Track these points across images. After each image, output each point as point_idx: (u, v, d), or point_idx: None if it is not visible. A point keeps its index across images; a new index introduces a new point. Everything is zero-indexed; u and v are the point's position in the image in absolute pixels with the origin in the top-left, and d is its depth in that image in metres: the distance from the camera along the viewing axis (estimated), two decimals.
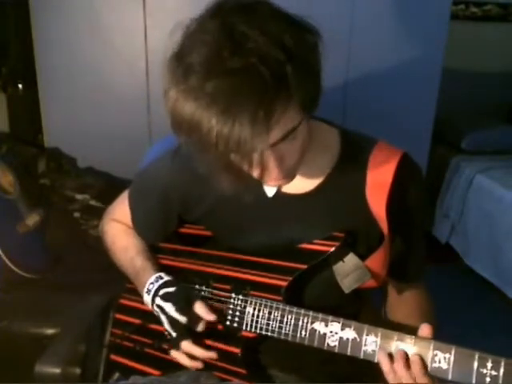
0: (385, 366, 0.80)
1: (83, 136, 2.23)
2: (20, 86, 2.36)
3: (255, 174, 0.78)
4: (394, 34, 2.27)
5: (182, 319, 0.91)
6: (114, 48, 2.15)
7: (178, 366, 0.96)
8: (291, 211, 0.93)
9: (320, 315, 0.86)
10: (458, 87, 2.96)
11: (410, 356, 0.79)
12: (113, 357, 1.06)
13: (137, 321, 1.04)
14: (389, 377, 0.81)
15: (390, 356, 0.80)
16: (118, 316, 1.08)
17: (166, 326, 0.92)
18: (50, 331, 1.46)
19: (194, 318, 0.91)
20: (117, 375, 1.06)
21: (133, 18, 2.12)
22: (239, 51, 0.68)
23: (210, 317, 0.91)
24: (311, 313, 0.86)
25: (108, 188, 2.12)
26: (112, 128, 2.21)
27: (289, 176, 0.83)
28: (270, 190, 0.93)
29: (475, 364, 0.75)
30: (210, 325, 0.92)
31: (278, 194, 0.93)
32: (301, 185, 0.92)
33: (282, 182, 0.84)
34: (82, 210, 2.09)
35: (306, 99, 0.74)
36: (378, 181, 0.88)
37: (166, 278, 0.97)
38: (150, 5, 2.10)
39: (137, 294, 1.02)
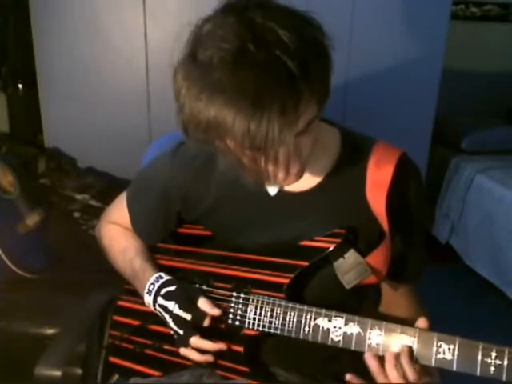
0: (373, 367, 0.82)
1: (83, 136, 2.24)
2: (20, 86, 2.37)
3: (280, 172, 0.77)
4: (394, 34, 2.27)
5: (187, 316, 0.91)
6: (113, 48, 2.15)
7: (178, 366, 0.96)
8: (292, 209, 0.93)
9: (323, 311, 0.86)
10: (458, 87, 2.96)
11: (399, 349, 0.81)
12: (112, 359, 1.05)
13: (135, 322, 1.03)
14: (379, 378, 0.82)
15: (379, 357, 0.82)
16: (116, 318, 1.08)
17: (171, 324, 0.92)
18: (49, 331, 1.46)
19: (199, 314, 0.91)
20: (116, 377, 1.06)
21: (133, 18, 2.12)
22: (262, 43, 0.68)
23: (214, 311, 0.91)
24: (314, 309, 0.87)
25: (108, 188, 2.13)
26: (112, 128, 2.22)
27: (301, 173, 0.82)
28: (272, 189, 0.93)
29: (479, 354, 0.76)
30: (212, 324, 0.92)
31: (279, 192, 0.93)
32: (302, 183, 0.91)
33: (293, 181, 0.83)
34: (82, 210, 2.09)
35: (322, 93, 0.74)
36: (378, 179, 0.89)
37: (166, 277, 0.96)
38: (150, 5, 2.10)
39: (135, 296, 1.02)
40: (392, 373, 0.81)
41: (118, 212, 1.11)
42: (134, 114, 2.23)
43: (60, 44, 2.14)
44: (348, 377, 0.86)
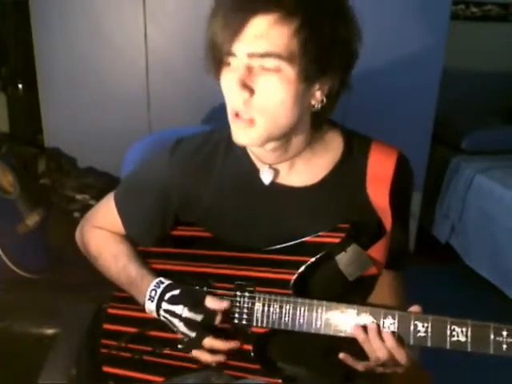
0: (359, 335, 0.85)
1: (83, 136, 2.23)
2: (20, 86, 2.37)
3: (228, 85, 0.81)
4: (394, 34, 2.27)
5: (198, 317, 0.90)
6: (113, 48, 2.15)
7: (180, 370, 0.95)
8: (293, 205, 0.94)
9: (334, 304, 0.88)
10: (458, 87, 2.96)
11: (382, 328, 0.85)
12: (107, 368, 1.01)
13: (130, 329, 1.01)
14: (365, 346, 0.86)
15: (365, 328, 0.86)
16: (108, 326, 1.04)
17: (182, 328, 0.91)
18: (50, 331, 1.46)
19: (209, 313, 0.91)
20: None
21: (133, 18, 2.12)
22: None
23: (223, 305, 0.91)
24: (324, 302, 0.88)
25: (108, 188, 2.12)
26: (112, 128, 2.21)
27: (257, 125, 0.82)
28: (266, 177, 0.94)
29: (491, 334, 0.80)
30: (220, 323, 0.92)
31: (280, 186, 0.94)
32: (302, 178, 0.94)
33: (245, 132, 0.83)
34: (82, 210, 2.08)
35: (310, 32, 0.76)
36: (379, 176, 0.92)
37: (167, 281, 0.95)
38: (150, 5, 2.10)
39: (125, 302, 1.01)
40: (375, 342, 0.84)
41: (105, 216, 1.07)
42: (134, 114, 2.23)
43: (60, 44, 2.14)
44: (341, 355, 0.88)
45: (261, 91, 0.79)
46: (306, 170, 0.93)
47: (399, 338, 0.84)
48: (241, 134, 0.84)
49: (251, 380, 0.91)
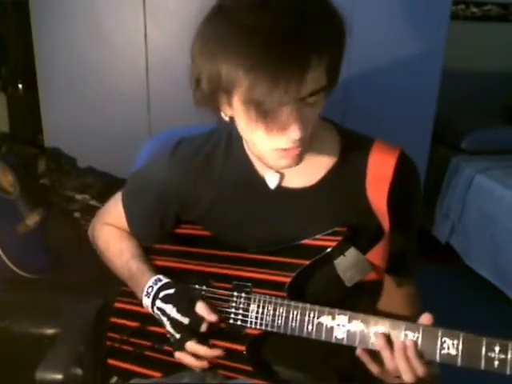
0: (386, 354, 0.82)
1: (83, 136, 2.24)
2: (20, 86, 2.37)
3: (278, 132, 0.77)
4: (394, 34, 2.27)
5: (184, 320, 0.90)
6: (113, 48, 2.15)
7: (180, 367, 0.96)
8: (292, 206, 0.94)
9: (326, 309, 0.86)
10: (458, 87, 2.96)
11: (406, 341, 0.81)
12: (110, 361, 1.04)
13: (134, 323, 1.02)
14: (387, 362, 0.82)
15: (389, 343, 0.82)
16: (114, 320, 1.06)
17: (168, 327, 0.92)
18: (50, 331, 1.46)
19: (196, 319, 0.91)
20: (115, 379, 1.04)
21: (133, 18, 2.12)
22: None
23: (211, 317, 0.91)
24: (317, 307, 0.87)
25: (108, 188, 2.13)
26: (112, 128, 2.22)
27: (303, 152, 0.82)
28: (271, 181, 0.93)
29: (483, 348, 0.76)
30: (213, 324, 0.92)
31: (278, 188, 0.94)
32: (301, 179, 0.93)
33: (294, 160, 0.82)
34: (82, 210, 2.09)
35: (333, 62, 0.77)
36: (379, 176, 0.90)
37: (165, 279, 0.96)
38: (150, 5, 2.10)
39: (132, 297, 1.02)
40: (400, 362, 0.80)
41: (113, 213, 1.10)
42: (134, 114, 2.23)
43: (60, 44, 2.14)
44: (359, 351, 0.85)
45: (308, 122, 0.79)
46: (305, 171, 0.92)
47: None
48: (289, 163, 0.83)
49: (244, 380, 0.91)
